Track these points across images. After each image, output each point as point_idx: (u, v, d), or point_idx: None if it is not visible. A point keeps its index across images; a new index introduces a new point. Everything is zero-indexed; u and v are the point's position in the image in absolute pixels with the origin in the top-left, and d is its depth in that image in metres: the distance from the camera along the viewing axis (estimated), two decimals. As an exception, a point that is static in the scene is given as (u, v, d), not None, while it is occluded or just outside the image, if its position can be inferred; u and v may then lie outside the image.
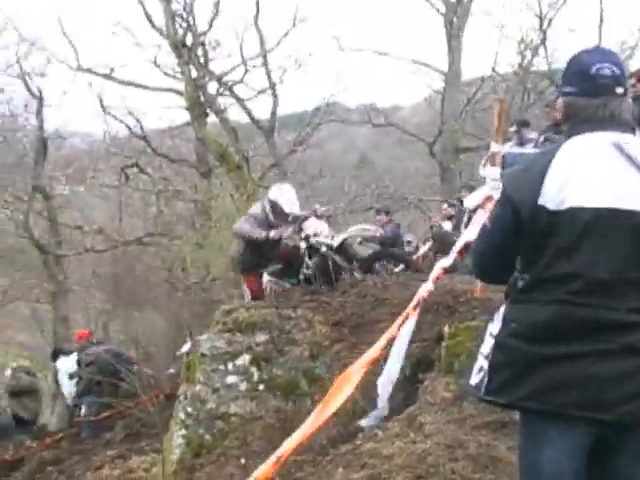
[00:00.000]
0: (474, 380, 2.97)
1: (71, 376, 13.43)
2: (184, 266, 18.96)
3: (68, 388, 14.05)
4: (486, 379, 2.90)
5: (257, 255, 9.53)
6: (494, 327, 2.97)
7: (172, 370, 12.44)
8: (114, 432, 11.30)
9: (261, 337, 7.58)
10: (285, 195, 9.93)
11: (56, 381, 16.68)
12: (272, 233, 9.30)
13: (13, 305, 30.59)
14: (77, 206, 29.89)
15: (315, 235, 9.30)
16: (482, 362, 2.96)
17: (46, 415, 16.74)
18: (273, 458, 3.19)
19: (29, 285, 26.86)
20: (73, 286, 24.34)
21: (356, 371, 4.25)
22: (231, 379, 7.46)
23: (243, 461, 5.98)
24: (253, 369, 7.46)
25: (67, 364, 13.95)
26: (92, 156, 27.64)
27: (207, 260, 16.64)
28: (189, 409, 7.52)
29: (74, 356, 13.51)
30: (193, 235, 18.56)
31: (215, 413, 7.39)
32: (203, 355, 7.66)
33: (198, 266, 17.82)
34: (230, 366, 7.50)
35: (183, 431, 7.47)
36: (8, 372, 14.44)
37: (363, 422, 6.01)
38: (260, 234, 9.30)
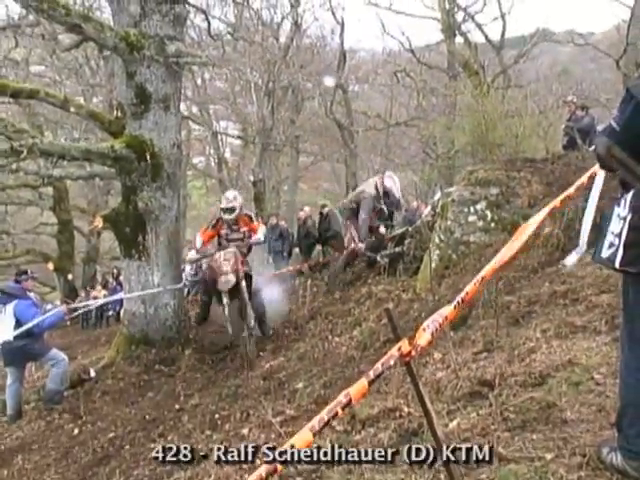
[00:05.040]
0: (605, 254, 2.43)
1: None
2: (435, 141, 18.84)
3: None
4: (619, 253, 2.37)
5: None
6: (622, 211, 2.40)
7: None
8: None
9: (494, 190, 7.47)
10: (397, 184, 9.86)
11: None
12: None
13: (320, 164, 32.07)
14: (363, 98, 30.22)
15: None
16: (612, 239, 2.41)
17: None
18: (478, 278, 2.85)
19: (331, 150, 27.94)
20: (359, 152, 24.93)
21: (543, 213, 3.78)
22: (472, 218, 7.46)
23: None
24: (488, 212, 7.41)
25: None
26: (374, 64, 27.61)
27: (452, 137, 16.37)
28: (442, 236, 7.65)
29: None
30: (443, 119, 18.24)
31: (460, 240, 7.46)
32: (453, 200, 7.69)
33: (445, 141, 17.61)
34: (471, 209, 7.48)
35: (437, 251, 7.65)
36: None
37: (567, 261, 5.69)
38: None
